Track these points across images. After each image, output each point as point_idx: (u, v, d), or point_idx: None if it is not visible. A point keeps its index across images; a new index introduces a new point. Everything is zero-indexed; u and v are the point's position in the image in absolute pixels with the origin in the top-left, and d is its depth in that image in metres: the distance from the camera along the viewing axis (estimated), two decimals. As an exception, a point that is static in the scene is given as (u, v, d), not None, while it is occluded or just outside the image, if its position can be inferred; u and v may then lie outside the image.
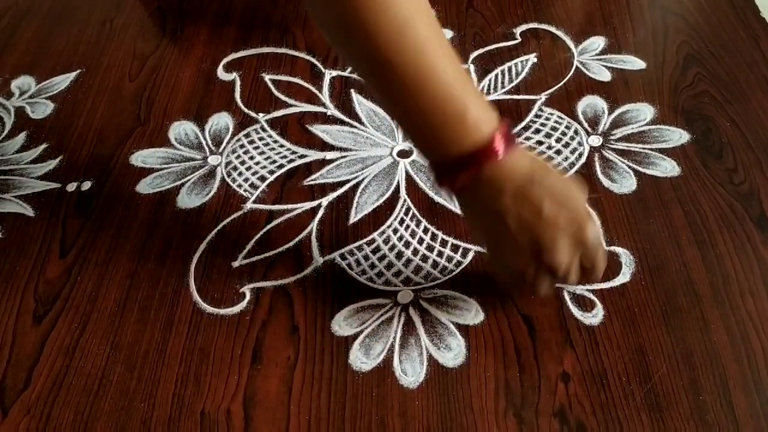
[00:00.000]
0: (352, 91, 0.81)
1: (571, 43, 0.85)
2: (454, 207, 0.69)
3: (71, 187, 0.73)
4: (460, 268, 0.64)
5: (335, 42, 0.54)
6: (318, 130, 0.77)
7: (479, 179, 0.50)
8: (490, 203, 0.51)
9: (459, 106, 0.49)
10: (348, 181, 0.72)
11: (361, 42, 0.49)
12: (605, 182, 0.70)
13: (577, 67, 0.82)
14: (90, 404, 0.57)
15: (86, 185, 0.73)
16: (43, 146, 0.77)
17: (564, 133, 0.75)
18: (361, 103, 0.80)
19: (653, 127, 0.75)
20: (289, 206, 0.70)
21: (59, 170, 0.75)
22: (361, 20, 0.48)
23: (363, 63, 0.52)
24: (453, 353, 0.58)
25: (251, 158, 0.75)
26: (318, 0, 0.51)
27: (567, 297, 0.61)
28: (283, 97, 0.81)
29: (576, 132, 0.75)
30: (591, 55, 0.84)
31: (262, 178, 0.73)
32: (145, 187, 0.73)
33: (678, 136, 0.74)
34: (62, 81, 0.85)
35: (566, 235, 0.51)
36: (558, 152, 0.73)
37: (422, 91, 0.49)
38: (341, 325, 0.61)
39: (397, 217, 0.68)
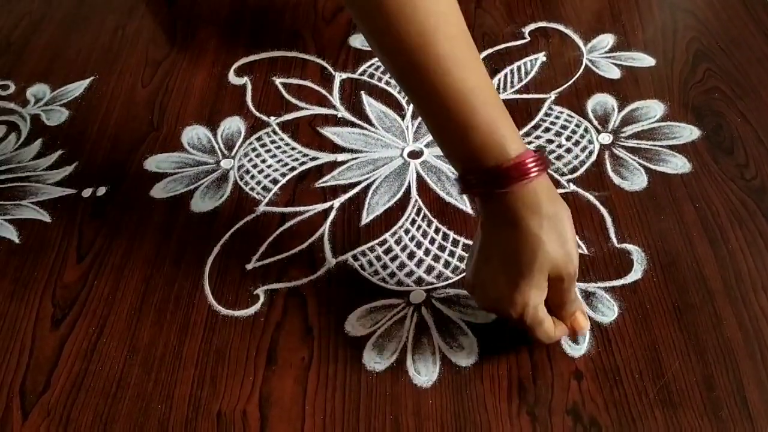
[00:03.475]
0: (362, 93, 0.82)
1: (580, 42, 0.85)
2: (465, 207, 0.69)
3: (87, 192, 0.74)
4: (471, 268, 0.64)
5: (373, 45, 0.53)
6: (329, 132, 0.78)
7: (492, 197, 0.50)
8: (495, 223, 0.52)
9: (489, 123, 0.49)
10: (359, 182, 0.72)
11: (390, 47, 0.49)
12: (616, 180, 0.70)
13: (586, 65, 0.82)
14: (108, 406, 0.58)
15: (101, 191, 0.74)
16: (59, 153, 0.79)
17: (574, 132, 0.75)
18: (371, 104, 0.80)
19: (663, 123, 0.75)
20: (302, 208, 0.70)
21: (75, 176, 0.76)
22: (391, 22, 0.48)
23: (394, 71, 0.52)
24: (466, 352, 0.58)
25: (263, 161, 0.75)
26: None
27: (579, 295, 0.61)
28: (293, 100, 0.82)
29: (586, 130, 0.75)
30: (600, 53, 0.84)
31: (275, 181, 0.73)
32: (159, 191, 0.74)
33: (688, 133, 0.74)
34: (76, 88, 0.86)
35: (523, 302, 0.51)
36: (568, 150, 0.73)
37: (454, 106, 0.49)
38: (354, 325, 0.61)
39: (408, 217, 0.69)
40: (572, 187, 0.70)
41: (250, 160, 0.76)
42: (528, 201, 0.49)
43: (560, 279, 0.51)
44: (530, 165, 0.49)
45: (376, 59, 0.86)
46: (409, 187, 0.71)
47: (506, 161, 0.49)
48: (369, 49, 0.87)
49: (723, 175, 0.69)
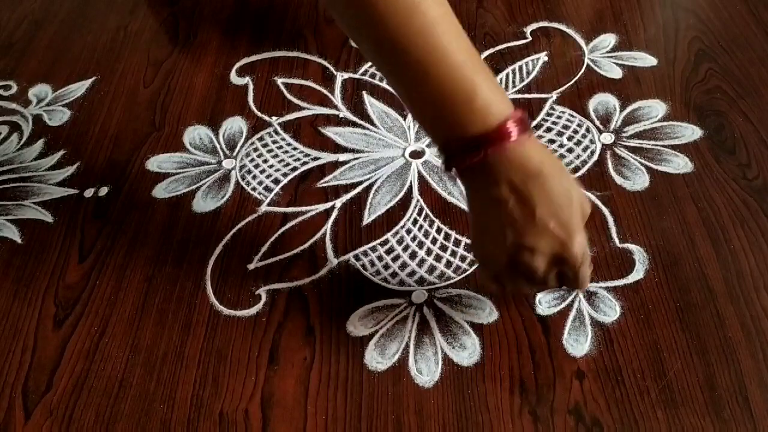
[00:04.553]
0: (363, 93, 0.82)
1: (581, 41, 0.85)
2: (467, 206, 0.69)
3: (89, 192, 0.74)
4: (473, 268, 0.64)
5: (344, 23, 0.52)
6: (330, 132, 0.78)
7: (483, 163, 0.49)
8: (489, 189, 0.50)
9: (468, 89, 0.48)
10: (361, 182, 0.72)
11: (370, 23, 0.49)
12: (618, 180, 0.70)
13: (588, 64, 0.82)
14: (111, 406, 0.58)
15: (103, 191, 0.74)
16: (61, 153, 0.79)
17: (576, 131, 0.75)
18: (372, 104, 0.80)
19: (665, 123, 0.75)
20: (303, 208, 0.70)
21: (77, 176, 0.76)
22: (370, 0, 0.48)
23: (371, 44, 0.51)
24: (468, 352, 0.59)
25: (265, 161, 0.75)
26: None
27: (581, 294, 0.61)
28: (295, 100, 0.82)
29: (588, 130, 0.75)
30: (602, 53, 0.84)
31: (276, 181, 0.73)
32: (161, 191, 0.74)
33: (690, 132, 0.74)
34: (78, 88, 0.86)
35: (549, 245, 0.49)
36: (570, 150, 0.73)
37: (429, 73, 0.48)
38: (356, 325, 0.61)
39: (410, 217, 0.69)
40: (574, 186, 0.70)
41: (252, 160, 0.76)
42: (539, 150, 0.50)
43: (584, 219, 0.51)
44: (517, 123, 0.49)
45: (378, 59, 0.86)
46: (410, 187, 0.71)
47: (507, 116, 0.49)
48: (370, 49, 0.87)
49: (725, 175, 0.69)
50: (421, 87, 0.49)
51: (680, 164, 0.71)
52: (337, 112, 0.80)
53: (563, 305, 0.61)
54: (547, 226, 0.49)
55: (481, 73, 0.49)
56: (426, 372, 0.57)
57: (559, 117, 0.77)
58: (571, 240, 0.49)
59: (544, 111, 0.77)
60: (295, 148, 0.76)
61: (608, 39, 0.85)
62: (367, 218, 0.69)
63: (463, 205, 0.69)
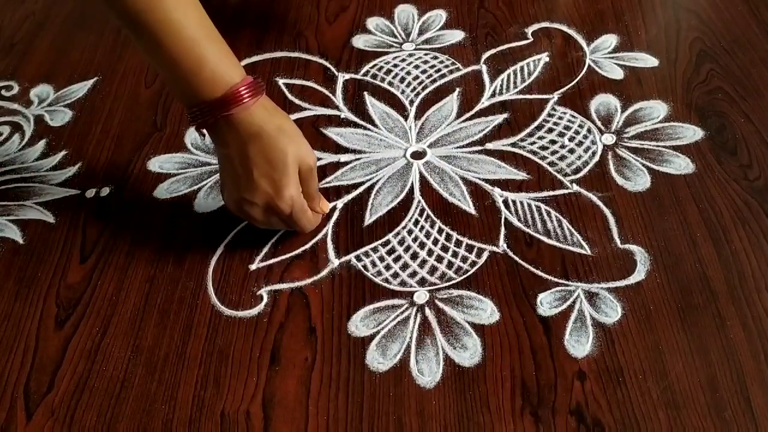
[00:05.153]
0: (365, 93, 0.82)
1: (583, 42, 0.85)
2: (468, 207, 0.69)
3: (90, 193, 0.74)
4: (474, 268, 0.64)
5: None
6: (332, 132, 0.78)
7: (216, 125, 0.59)
8: (221, 148, 0.61)
9: (194, 61, 0.57)
10: (362, 183, 0.72)
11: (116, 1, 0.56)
12: (619, 180, 0.70)
13: (589, 65, 0.82)
14: (112, 407, 0.58)
15: (105, 191, 0.74)
16: (62, 153, 0.79)
17: (577, 132, 0.75)
18: (374, 105, 0.80)
19: (667, 124, 0.75)
20: (305, 209, 0.70)
21: (78, 177, 0.76)
22: None
23: (120, 19, 0.57)
24: (469, 353, 0.59)
25: (266, 162, 0.75)
26: None
27: (582, 295, 0.61)
28: (296, 101, 0.82)
29: (589, 131, 0.75)
30: (603, 54, 0.84)
31: (278, 182, 0.73)
32: (162, 192, 0.74)
33: (692, 133, 0.74)
34: (80, 89, 0.86)
35: (262, 199, 0.60)
36: (571, 151, 0.73)
37: (161, 46, 0.56)
38: (358, 326, 0.61)
39: (411, 218, 0.69)
40: (575, 187, 0.70)
41: (254, 160, 0.76)
42: (261, 114, 0.59)
43: (306, 170, 0.62)
44: (244, 90, 0.58)
45: (380, 59, 0.86)
46: (412, 188, 0.71)
47: (235, 84, 0.58)
48: (372, 49, 0.87)
49: (726, 176, 0.69)
50: (156, 58, 0.58)
51: (681, 165, 0.71)
52: (338, 113, 0.80)
53: (564, 306, 0.61)
54: (260, 185, 0.60)
55: (211, 46, 0.59)
56: (427, 373, 0.57)
57: (560, 118, 0.77)
58: (279, 196, 0.60)
59: (546, 112, 0.77)
60: (296, 149, 0.76)
61: (609, 40, 0.85)
62: (369, 219, 0.69)
63: (465, 206, 0.69)
